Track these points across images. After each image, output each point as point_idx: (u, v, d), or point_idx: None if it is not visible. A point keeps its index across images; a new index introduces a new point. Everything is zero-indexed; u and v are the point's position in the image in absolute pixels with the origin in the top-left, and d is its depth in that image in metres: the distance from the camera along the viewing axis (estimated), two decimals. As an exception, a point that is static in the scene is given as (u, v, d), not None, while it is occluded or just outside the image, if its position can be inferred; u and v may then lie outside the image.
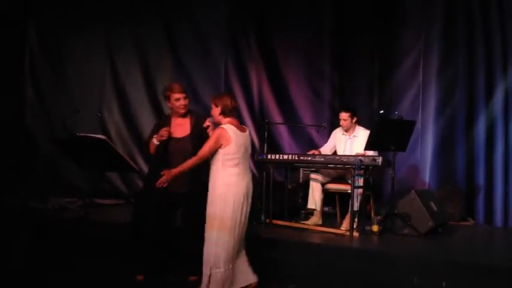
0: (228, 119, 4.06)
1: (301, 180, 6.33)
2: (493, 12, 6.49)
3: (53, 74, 7.34)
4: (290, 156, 5.74)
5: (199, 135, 4.46)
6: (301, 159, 5.60)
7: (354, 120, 5.88)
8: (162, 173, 4.00)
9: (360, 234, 5.14)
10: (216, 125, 4.13)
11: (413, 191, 5.37)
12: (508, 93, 6.40)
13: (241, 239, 4.03)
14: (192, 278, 4.48)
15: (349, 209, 5.34)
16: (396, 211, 5.29)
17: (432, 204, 5.39)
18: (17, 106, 7.16)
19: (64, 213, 6.50)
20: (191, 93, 7.34)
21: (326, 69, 7.81)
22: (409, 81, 7.11)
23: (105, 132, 7.21)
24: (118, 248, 5.20)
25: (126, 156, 5.26)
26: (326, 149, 6.08)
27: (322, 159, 5.51)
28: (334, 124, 6.35)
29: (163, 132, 4.44)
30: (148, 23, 7.75)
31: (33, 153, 7.09)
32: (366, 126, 5.90)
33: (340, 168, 5.54)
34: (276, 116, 7.85)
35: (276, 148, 7.45)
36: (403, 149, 5.54)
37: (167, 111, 7.55)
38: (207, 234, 3.95)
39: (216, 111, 4.10)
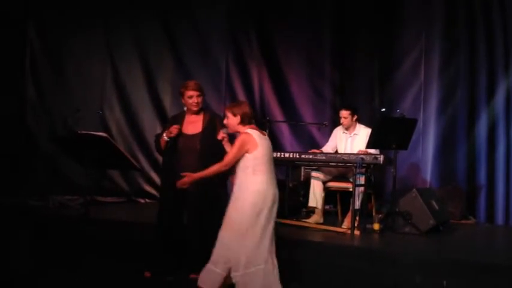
0: (248, 127, 3.95)
1: (302, 178, 6.32)
2: (495, 11, 6.49)
3: (54, 73, 7.34)
4: (291, 154, 5.73)
5: (211, 135, 4.45)
6: (303, 158, 5.59)
7: (355, 118, 5.87)
8: (183, 175, 3.96)
9: (361, 233, 5.14)
10: (232, 135, 4.05)
11: (414, 189, 5.37)
12: (509, 92, 6.41)
13: (271, 245, 3.90)
14: (193, 276, 4.48)
15: (351, 207, 5.34)
16: (397, 209, 5.29)
17: (433, 203, 5.38)
18: (18, 105, 7.16)
19: (65, 211, 6.50)
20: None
21: (327, 68, 7.81)
22: (410, 80, 7.12)
23: (107, 130, 7.22)
24: (119, 246, 5.20)
25: (128, 154, 5.25)
26: (327, 148, 6.07)
27: (324, 157, 5.50)
28: (335, 123, 6.34)
29: (173, 129, 4.44)
30: (149, 22, 7.76)
31: (34, 152, 7.09)
32: (367, 125, 5.89)
33: (341, 166, 5.53)
34: (277, 115, 7.85)
35: (277, 146, 7.44)
36: (405, 148, 5.53)
37: (169, 109, 7.68)
38: (228, 239, 3.82)
39: (234, 120, 3.95)
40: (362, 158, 5.15)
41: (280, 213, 5.72)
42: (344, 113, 5.85)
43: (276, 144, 7.41)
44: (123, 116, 7.65)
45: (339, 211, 6.19)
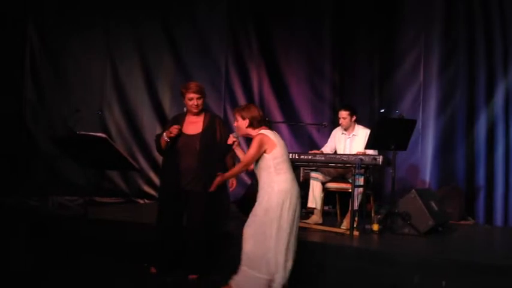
0: (258, 130, 3.96)
1: (301, 179, 6.31)
2: (494, 11, 6.50)
3: (53, 73, 7.34)
4: (290, 155, 5.69)
5: (211, 135, 4.49)
6: (302, 158, 5.59)
7: (353, 119, 5.87)
8: (217, 174, 3.98)
9: (360, 233, 5.13)
10: (246, 138, 4.09)
11: (413, 190, 5.36)
12: (508, 92, 6.41)
13: (294, 245, 3.93)
14: (192, 276, 4.49)
15: (350, 208, 5.34)
16: (396, 210, 5.29)
17: (432, 204, 5.38)
18: (17, 105, 7.15)
19: (64, 212, 6.50)
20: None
21: (326, 68, 7.83)
22: (409, 81, 7.12)
23: (106, 130, 7.23)
24: (118, 246, 5.20)
25: (127, 154, 5.26)
26: (327, 149, 6.07)
27: (323, 158, 5.50)
28: (335, 123, 6.35)
29: (173, 129, 4.46)
30: (149, 22, 7.76)
31: (33, 152, 7.09)
32: (366, 125, 5.89)
33: (340, 167, 5.53)
34: (277, 115, 7.86)
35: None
36: (404, 148, 5.53)
37: (168, 109, 7.69)
38: (262, 242, 3.82)
39: (243, 123, 3.97)
40: (361, 159, 5.15)
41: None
42: (343, 114, 5.85)
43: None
44: (123, 117, 7.64)
45: (338, 212, 6.19)
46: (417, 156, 6.94)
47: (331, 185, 5.84)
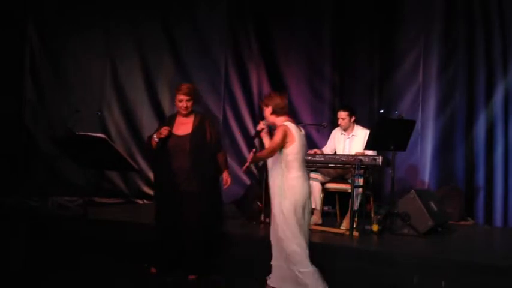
0: (282, 118, 4.00)
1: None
2: (494, 12, 6.50)
3: (53, 73, 7.33)
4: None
5: (200, 136, 4.52)
6: (301, 159, 5.58)
7: (352, 119, 5.87)
8: (252, 150, 3.92)
9: (359, 234, 5.14)
10: (271, 127, 4.06)
11: (413, 191, 5.37)
12: (508, 92, 6.41)
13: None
14: (192, 276, 4.49)
15: (349, 209, 5.34)
16: (396, 211, 5.29)
17: (432, 204, 5.39)
18: (17, 105, 7.15)
19: (64, 212, 6.50)
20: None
21: (326, 69, 7.82)
22: (409, 81, 7.12)
23: (105, 130, 7.22)
24: (118, 246, 5.21)
25: (126, 155, 5.26)
26: (327, 150, 6.07)
27: (322, 158, 5.51)
28: (334, 124, 6.35)
29: (163, 130, 4.50)
30: (149, 22, 7.75)
31: (33, 152, 7.08)
32: (365, 126, 5.90)
33: (340, 167, 5.54)
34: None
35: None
36: (403, 149, 5.53)
37: (168, 109, 7.68)
38: (287, 240, 3.92)
39: (266, 111, 4.03)
40: (360, 160, 5.15)
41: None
42: (342, 114, 5.85)
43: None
44: (122, 117, 7.64)
45: (338, 212, 6.20)
46: (416, 157, 6.94)
47: (331, 186, 5.85)
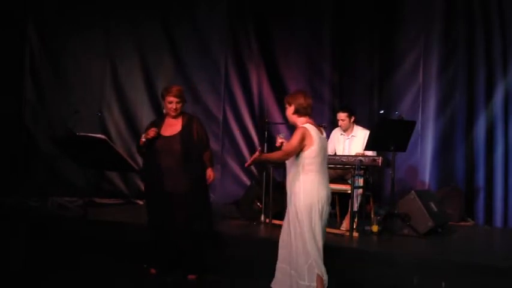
0: (304, 119, 3.85)
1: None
2: (493, 12, 6.50)
3: (53, 74, 7.33)
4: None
5: (188, 136, 4.56)
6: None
7: (352, 120, 5.87)
8: (258, 150, 3.79)
9: (359, 235, 5.14)
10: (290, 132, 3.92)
11: (413, 191, 5.37)
12: (508, 93, 6.41)
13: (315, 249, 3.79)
14: (191, 276, 4.50)
15: (349, 209, 5.34)
16: (396, 211, 5.29)
17: (432, 205, 5.39)
18: (17, 105, 7.15)
19: (64, 212, 6.50)
20: (191, 93, 7.36)
21: (326, 69, 7.83)
22: (409, 81, 7.13)
23: (105, 131, 7.21)
24: (118, 246, 5.21)
25: (126, 155, 5.26)
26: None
27: (322, 159, 5.50)
28: (334, 124, 6.35)
29: (150, 131, 4.52)
30: (149, 22, 7.74)
31: (33, 153, 7.08)
32: (365, 126, 5.89)
33: (340, 168, 5.54)
34: (276, 116, 7.86)
35: (276, 148, 7.44)
36: (403, 149, 5.53)
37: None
38: (301, 246, 3.71)
39: (289, 110, 3.89)
40: (360, 160, 5.15)
41: (279, 215, 5.78)
42: (341, 115, 5.84)
43: (274, 146, 7.42)
44: (122, 117, 7.63)
45: (338, 213, 6.18)
46: (416, 157, 6.94)
47: (331, 186, 5.80)
